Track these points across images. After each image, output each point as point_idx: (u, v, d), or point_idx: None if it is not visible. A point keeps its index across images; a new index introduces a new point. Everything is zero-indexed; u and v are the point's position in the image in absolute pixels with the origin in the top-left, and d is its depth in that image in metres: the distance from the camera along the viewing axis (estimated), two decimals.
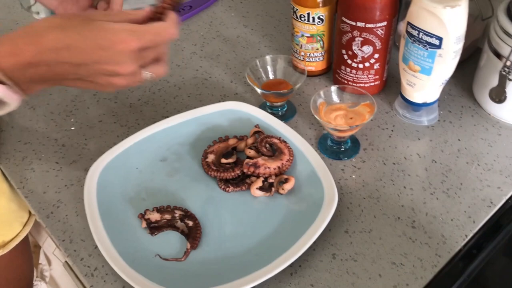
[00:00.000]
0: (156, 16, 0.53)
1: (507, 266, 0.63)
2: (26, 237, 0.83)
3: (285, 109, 0.76)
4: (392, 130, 0.73)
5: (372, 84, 0.75)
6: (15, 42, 0.46)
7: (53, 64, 0.47)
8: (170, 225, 0.60)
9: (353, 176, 0.67)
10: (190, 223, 0.60)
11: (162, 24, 0.50)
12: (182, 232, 0.60)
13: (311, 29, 0.75)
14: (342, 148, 0.70)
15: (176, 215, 0.61)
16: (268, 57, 0.75)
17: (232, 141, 0.69)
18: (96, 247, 0.59)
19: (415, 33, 0.64)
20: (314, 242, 0.59)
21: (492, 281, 0.62)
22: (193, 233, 0.59)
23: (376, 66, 0.73)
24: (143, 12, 0.52)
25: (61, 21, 0.47)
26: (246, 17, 0.97)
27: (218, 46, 0.90)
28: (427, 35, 0.63)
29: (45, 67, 0.47)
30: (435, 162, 0.68)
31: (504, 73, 0.66)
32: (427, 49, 0.64)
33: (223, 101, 0.77)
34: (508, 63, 0.66)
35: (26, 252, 0.89)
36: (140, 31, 0.48)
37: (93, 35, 0.47)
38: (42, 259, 1.15)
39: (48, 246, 1.04)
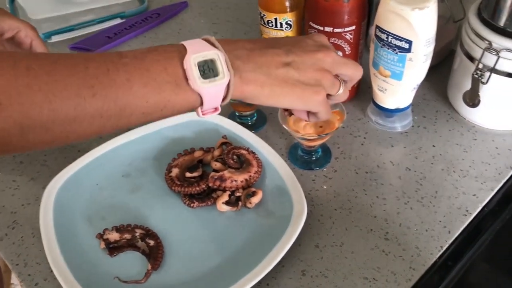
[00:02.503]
0: None
1: (489, 273, 0.61)
2: None
3: (254, 118, 0.74)
4: (365, 138, 0.70)
5: None
6: (226, 40, 0.48)
7: (264, 50, 0.48)
8: (131, 245, 0.57)
9: (324, 187, 0.64)
10: (152, 242, 0.57)
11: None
12: (143, 252, 0.57)
13: (279, 34, 0.73)
14: (313, 157, 0.67)
15: (137, 234, 0.58)
16: None
17: (197, 154, 0.66)
18: (52, 270, 0.56)
19: (384, 36, 0.62)
20: (283, 258, 0.56)
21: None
22: (154, 253, 0.56)
23: None
24: None
25: None
26: (216, 23, 0.94)
27: None
28: (396, 39, 0.61)
29: (257, 51, 0.48)
30: (409, 169, 0.66)
31: (476, 76, 0.64)
32: (396, 53, 0.62)
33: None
34: (480, 66, 0.64)
35: None
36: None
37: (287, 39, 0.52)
38: (14, 279, 1.11)
39: None
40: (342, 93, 0.53)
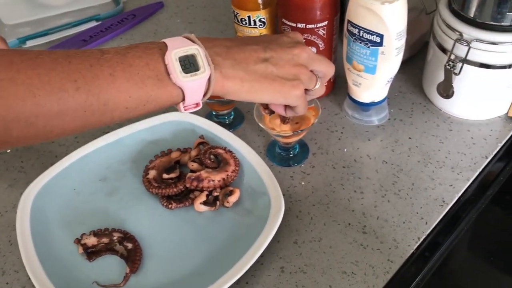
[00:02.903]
0: None
1: (468, 259, 0.62)
2: None
3: (232, 117, 0.74)
4: (342, 132, 0.71)
5: None
6: (206, 38, 0.49)
7: (243, 47, 0.49)
8: (109, 249, 0.57)
9: (303, 183, 0.64)
10: (130, 245, 0.57)
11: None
12: (122, 256, 0.57)
13: (253, 32, 0.73)
14: (291, 154, 0.68)
15: (115, 238, 0.57)
16: None
17: (174, 155, 0.66)
18: (30, 278, 0.56)
19: (355, 31, 0.62)
20: (262, 256, 0.56)
21: (455, 278, 0.60)
22: (132, 256, 0.56)
23: None
24: None
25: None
26: (193, 23, 0.94)
27: None
28: (367, 33, 0.61)
29: (236, 49, 0.49)
30: (386, 162, 0.66)
31: (449, 67, 0.64)
32: (369, 47, 0.62)
33: (167, 112, 0.74)
34: (452, 57, 0.64)
35: None
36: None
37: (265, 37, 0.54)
38: None
39: None
40: (318, 88, 0.54)
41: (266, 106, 0.58)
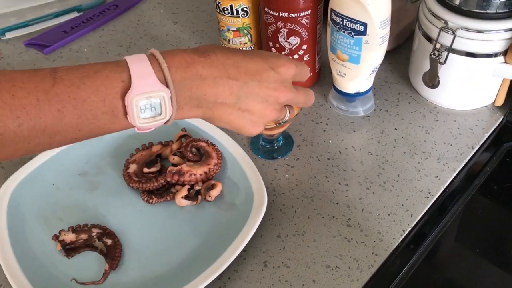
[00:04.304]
0: None
1: (454, 250, 0.61)
2: None
3: None
4: (327, 124, 0.69)
5: None
6: (187, 54, 0.44)
7: (219, 80, 0.45)
8: (88, 245, 0.56)
9: (286, 176, 0.63)
10: (109, 241, 0.55)
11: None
12: (101, 252, 0.55)
13: (236, 22, 0.71)
14: (275, 146, 0.66)
15: (93, 234, 0.56)
16: None
17: (155, 148, 0.64)
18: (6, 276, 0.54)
19: (339, 20, 0.61)
20: (245, 251, 0.55)
21: (441, 270, 0.59)
22: (111, 253, 0.54)
23: (306, 57, 0.70)
24: None
25: (221, 46, 0.48)
26: (176, 13, 0.92)
27: (145, 45, 0.85)
28: (351, 22, 0.60)
29: (211, 82, 0.44)
30: (371, 154, 0.65)
31: (434, 56, 0.63)
32: (352, 37, 0.61)
33: None
34: (437, 46, 0.63)
35: None
36: (299, 64, 0.51)
37: (257, 56, 0.48)
38: None
39: None
40: (287, 117, 0.53)
41: None
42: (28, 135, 0.39)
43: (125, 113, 0.42)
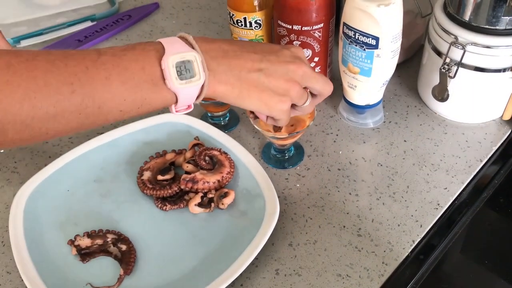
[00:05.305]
0: None
1: (462, 263, 0.62)
2: None
3: (227, 118, 0.73)
4: (337, 135, 0.71)
5: None
6: (207, 37, 0.49)
7: (240, 54, 0.49)
8: (103, 250, 0.57)
9: (298, 185, 0.64)
10: (124, 247, 0.56)
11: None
12: (116, 257, 0.56)
13: (249, 34, 0.73)
14: (286, 156, 0.68)
15: (108, 239, 0.57)
16: None
17: (169, 156, 0.66)
18: (22, 279, 0.55)
19: (351, 33, 0.62)
20: (257, 258, 0.56)
21: (449, 281, 0.60)
22: (126, 258, 0.55)
23: (317, 69, 0.71)
24: None
25: None
26: (188, 24, 0.94)
27: None
28: (363, 36, 0.61)
29: (232, 54, 0.49)
30: (381, 165, 0.66)
31: (444, 70, 0.65)
32: (364, 50, 0.62)
33: (162, 113, 0.74)
34: (447, 60, 0.64)
35: None
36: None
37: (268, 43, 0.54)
38: None
39: None
40: (308, 105, 0.54)
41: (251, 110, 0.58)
42: (80, 103, 0.41)
43: (164, 80, 0.45)
